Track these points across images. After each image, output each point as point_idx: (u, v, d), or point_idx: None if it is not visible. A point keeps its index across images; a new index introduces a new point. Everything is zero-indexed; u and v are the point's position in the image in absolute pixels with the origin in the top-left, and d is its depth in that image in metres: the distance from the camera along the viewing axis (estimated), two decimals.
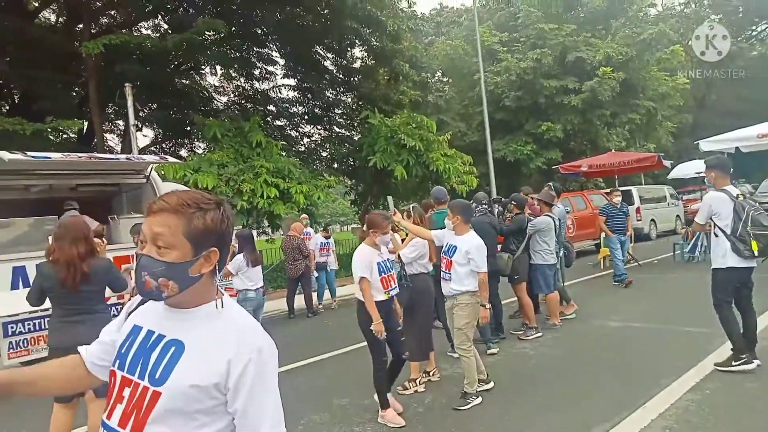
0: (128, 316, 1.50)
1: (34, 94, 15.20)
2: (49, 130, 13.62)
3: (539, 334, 6.62)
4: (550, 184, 7.64)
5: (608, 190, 12.81)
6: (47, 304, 3.84)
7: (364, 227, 4.59)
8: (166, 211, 1.33)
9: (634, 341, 6.10)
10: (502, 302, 6.90)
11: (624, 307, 8.02)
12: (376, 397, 4.35)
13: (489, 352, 6.00)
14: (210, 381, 1.29)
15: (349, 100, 19.90)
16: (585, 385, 4.80)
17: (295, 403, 4.96)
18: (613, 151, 18.34)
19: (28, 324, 6.22)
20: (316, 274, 10.45)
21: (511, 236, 6.84)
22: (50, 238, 3.82)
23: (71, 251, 3.64)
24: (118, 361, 1.41)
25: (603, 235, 10.79)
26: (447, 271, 4.70)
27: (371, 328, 4.12)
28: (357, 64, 19.14)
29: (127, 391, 1.35)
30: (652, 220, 17.90)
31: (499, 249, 6.74)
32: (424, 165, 14.77)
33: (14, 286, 6.15)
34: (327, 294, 10.72)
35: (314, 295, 10.27)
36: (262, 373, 1.32)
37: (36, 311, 6.11)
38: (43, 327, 6.07)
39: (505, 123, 21.77)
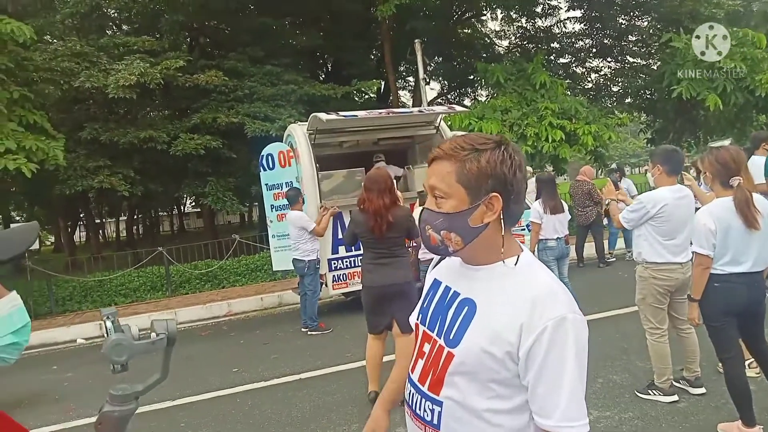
0: (432, 269, 1.47)
1: (342, 62, 17.41)
2: (354, 92, 15.51)
3: None
4: None
5: None
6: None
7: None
8: (441, 159, 1.23)
9: None
10: None
11: None
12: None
13: None
14: (502, 348, 1.15)
15: (645, 24, 17.43)
16: None
17: (590, 359, 4.68)
18: None
19: (346, 261, 7.28)
20: (606, 220, 9.74)
21: None
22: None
23: (378, 202, 4.00)
24: (420, 315, 1.39)
25: None
26: None
27: None
28: None
29: (427, 347, 1.32)
30: None
31: None
32: (747, 90, 12.09)
33: (334, 230, 7.22)
34: (621, 243, 9.88)
35: (606, 244, 9.58)
36: (559, 348, 1.12)
37: (351, 251, 7.13)
38: (357, 264, 7.02)
39: None
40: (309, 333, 6.79)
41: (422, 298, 1.43)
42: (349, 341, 6.14)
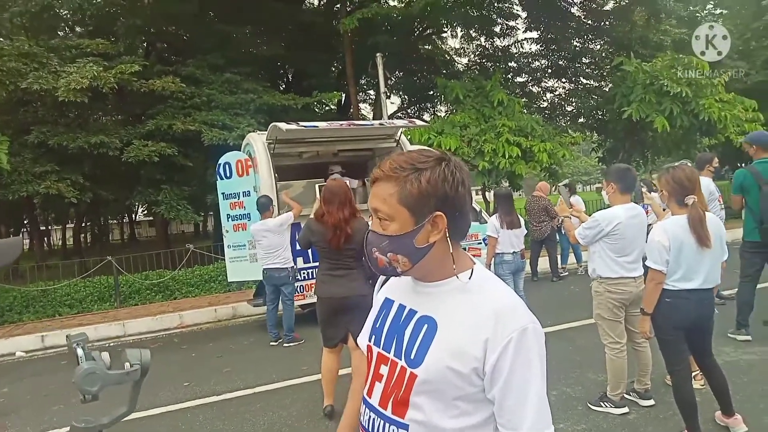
0: (381, 287, 1.44)
1: (303, 72, 17.36)
2: (315, 103, 15.47)
3: None
4: None
5: None
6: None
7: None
8: (381, 180, 1.20)
9: None
10: None
11: None
12: None
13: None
14: (468, 364, 1.14)
15: (598, 47, 18.17)
16: None
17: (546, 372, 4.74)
18: None
19: (304, 273, 7.18)
20: (558, 236, 9.99)
21: None
22: (318, 200, 4.22)
23: (338, 215, 3.95)
24: (373, 336, 1.35)
25: None
26: None
27: None
28: (609, 6, 17.29)
29: (384, 369, 1.27)
30: None
31: None
32: (691, 114, 12.69)
33: (292, 241, 7.11)
34: (573, 258, 10.14)
35: (559, 258, 9.80)
36: (524, 359, 1.12)
37: (309, 263, 7.05)
38: (314, 276, 6.91)
39: None
40: (284, 345, 6.57)
41: (373, 318, 1.39)
42: (305, 354, 6.04)
